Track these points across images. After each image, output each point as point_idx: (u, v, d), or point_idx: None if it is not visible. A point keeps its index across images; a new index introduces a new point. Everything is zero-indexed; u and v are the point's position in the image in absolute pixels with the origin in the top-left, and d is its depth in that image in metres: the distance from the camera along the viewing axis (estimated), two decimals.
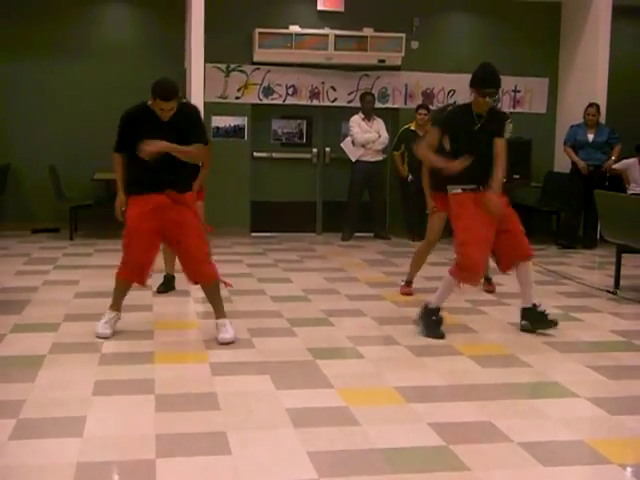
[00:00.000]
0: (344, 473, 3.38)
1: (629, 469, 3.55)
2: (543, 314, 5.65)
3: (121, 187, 5.35)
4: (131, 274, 5.33)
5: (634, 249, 7.25)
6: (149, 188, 5.15)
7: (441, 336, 5.47)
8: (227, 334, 5.24)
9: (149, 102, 5.15)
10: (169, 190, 5.13)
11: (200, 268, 5.23)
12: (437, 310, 5.56)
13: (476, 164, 5.30)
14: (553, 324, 5.62)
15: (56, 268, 7.92)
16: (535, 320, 5.65)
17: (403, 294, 7.00)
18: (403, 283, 7.13)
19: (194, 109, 5.39)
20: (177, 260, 5.60)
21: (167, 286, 6.77)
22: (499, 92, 5.38)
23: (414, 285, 7.18)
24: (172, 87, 5.14)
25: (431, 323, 5.54)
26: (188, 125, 5.20)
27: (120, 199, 5.37)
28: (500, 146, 5.43)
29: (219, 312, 5.35)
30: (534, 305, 5.65)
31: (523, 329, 5.69)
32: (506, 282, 7.62)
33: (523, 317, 5.71)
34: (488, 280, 7.22)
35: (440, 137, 5.44)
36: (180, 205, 5.16)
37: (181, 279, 7.18)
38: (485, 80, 5.37)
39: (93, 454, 3.52)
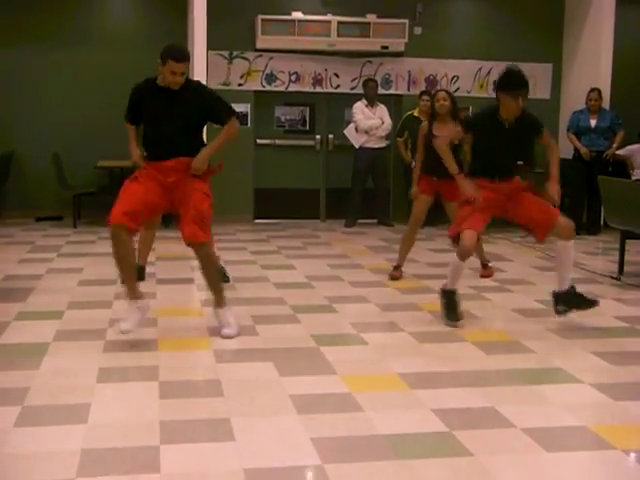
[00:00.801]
0: (348, 459, 3.39)
1: (633, 455, 3.56)
2: (582, 295, 5.53)
3: (135, 147, 5.41)
4: (120, 215, 4.87)
5: (638, 235, 7.24)
6: (161, 156, 5.03)
7: (456, 319, 5.45)
8: (231, 330, 5.13)
9: (158, 77, 5.07)
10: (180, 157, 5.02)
11: (193, 228, 4.96)
12: (451, 292, 5.52)
13: (497, 163, 5.41)
14: (594, 303, 5.50)
15: (60, 256, 7.93)
16: (573, 302, 5.49)
17: (391, 278, 7.04)
18: (393, 266, 7.22)
19: (201, 85, 5.31)
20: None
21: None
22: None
23: (414, 271, 7.20)
24: (183, 49, 5.11)
25: (446, 306, 5.52)
26: (204, 101, 5.08)
27: (135, 154, 5.42)
28: (547, 139, 5.54)
29: (218, 299, 5.19)
30: (572, 287, 5.51)
31: (560, 313, 5.55)
32: (508, 268, 7.63)
33: (559, 301, 5.54)
34: (484, 265, 7.23)
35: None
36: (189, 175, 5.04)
37: (182, 265, 7.21)
38: (516, 82, 5.35)
39: (97, 441, 3.53)
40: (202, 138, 5.22)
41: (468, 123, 5.69)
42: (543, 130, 5.53)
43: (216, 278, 5.23)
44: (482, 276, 7.17)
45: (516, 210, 5.45)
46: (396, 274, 7.10)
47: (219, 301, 5.20)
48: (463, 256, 5.33)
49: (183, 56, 4.97)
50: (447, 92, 7.11)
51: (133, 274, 5.04)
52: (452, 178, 6.72)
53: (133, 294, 4.98)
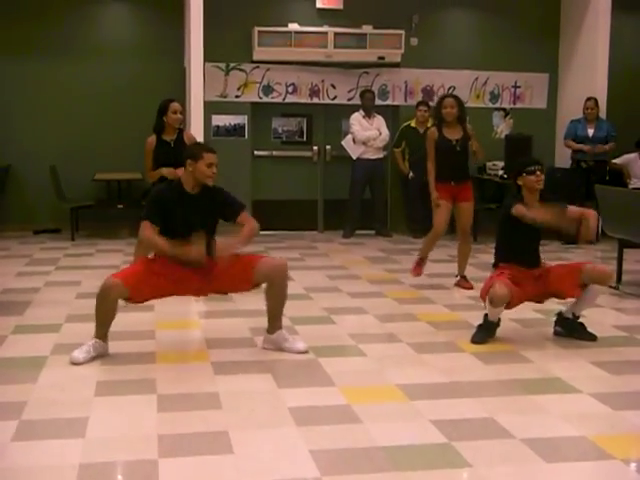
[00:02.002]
0: (346, 471, 3.38)
1: (632, 464, 3.55)
2: (584, 327, 5.51)
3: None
4: (131, 283, 4.79)
5: (636, 244, 7.24)
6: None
7: (479, 342, 5.35)
8: (301, 342, 5.12)
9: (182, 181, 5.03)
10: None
11: (263, 266, 4.94)
12: (491, 322, 5.40)
13: (523, 248, 5.43)
14: (594, 338, 5.45)
15: (58, 269, 7.92)
16: (574, 331, 5.48)
17: (414, 274, 7.25)
18: (417, 258, 7.30)
19: (216, 187, 5.12)
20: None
21: None
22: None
23: (412, 281, 7.23)
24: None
25: (480, 327, 5.43)
26: (217, 201, 5.06)
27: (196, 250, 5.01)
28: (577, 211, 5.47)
29: (280, 321, 5.14)
30: (578, 317, 5.51)
31: (557, 334, 5.55)
32: None
33: (561, 325, 5.55)
34: (464, 277, 7.23)
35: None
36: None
37: None
38: (527, 162, 5.44)
39: (95, 455, 3.52)
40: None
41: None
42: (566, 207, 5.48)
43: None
44: (462, 287, 7.15)
45: (545, 284, 5.38)
46: (419, 270, 7.28)
47: (280, 323, 5.15)
48: (495, 303, 5.21)
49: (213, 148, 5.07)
50: (454, 97, 7.08)
51: (109, 324, 4.90)
52: (467, 180, 7.13)
53: (100, 335, 4.89)
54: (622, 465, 3.49)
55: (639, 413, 4.11)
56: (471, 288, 7.05)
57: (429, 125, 10.21)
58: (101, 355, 4.86)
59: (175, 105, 6.86)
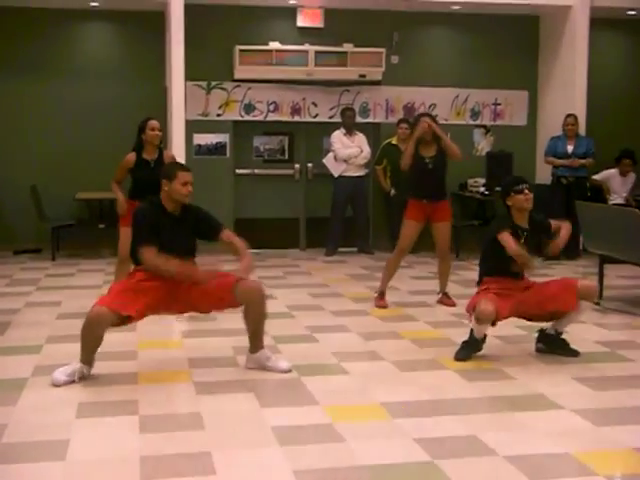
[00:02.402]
0: None
1: None
2: (567, 343, 5.52)
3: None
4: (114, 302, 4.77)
5: (616, 259, 7.28)
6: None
7: (462, 359, 5.35)
8: (284, 362, 5.11)
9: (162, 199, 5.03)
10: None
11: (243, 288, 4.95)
12: (476, 339, 5.37)
13: (510, 264, 5.36)
14: (574, 353, 5.47)
15: (38, 289, 7.86)
16: (557, 347, 5.50)
17: (378, 307, 7.04)
18: (376, 295, 7.17)
19: (194, 207, 5.16)
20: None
21: None
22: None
23: (395, 299, 7.22)
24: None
25: (464, 344, 5.41)
26: (200, 221, 5.09)
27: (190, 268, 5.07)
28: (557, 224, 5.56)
29: (261, 341, 5.12)
30: (560, 333, 5.51)
31: (538, 351, 5.56)
32: None
33: (544, 341, 5.56)
34: (445, 294, 7.25)
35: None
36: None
37: None
38: (513, 181, 5.48)
39: (76, 478, 3.49)
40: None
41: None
42: (550, 224, 5.54)
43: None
44: (444, 304, 7.17)
45: (535, 295, 5.38)
46: (382, 303, 7.09)
47: (262, 343, 5.12)
48: (481, 321, 5.20)
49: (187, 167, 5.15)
50: (430, 117, 7.13)
51: (95, 350, 4.84)
52: (442, 199, 7.07)
53: (86, 361, 4.83)
54: None
55: (622, 429, 4.12)
56: (453, 305, 7.06)
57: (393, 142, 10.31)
58: (83, 380, 4.81)
59: (153, 122, 6.82)
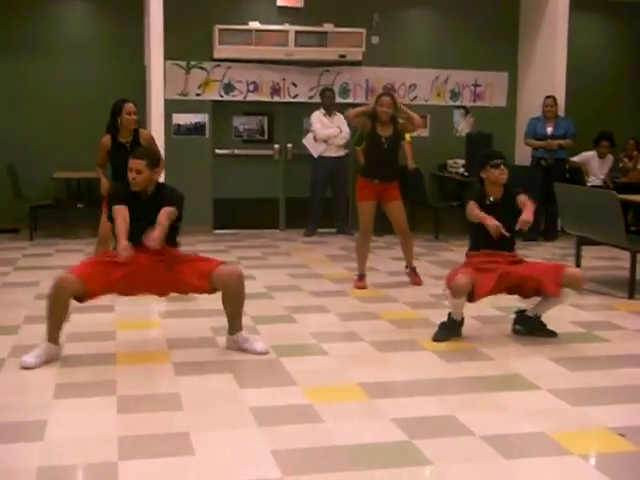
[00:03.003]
0: (308, 471, 3.38)
1: (590, 460, 3.61)
2: (544, 325, 5.55)
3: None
4: (87, 279, 4.75)
5: (594, 241, 7.34)
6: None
7: (441, 340, 5.37)
8: (261, 343, 5.10)
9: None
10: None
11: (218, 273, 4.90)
12: (454, 321, 5.42)
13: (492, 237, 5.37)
14: (552, 334, 5.52)
15: (16, 269, 7.82)
16: (535, 329, 5.52)
17: (357, 288, 7.07)
18: (356, 277, 7.20)
19: (171, 189, 5.11)
20: None
21: None
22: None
23: (374, 280, 7.25)
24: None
25: (442, 326, 5.45)
26: (165, 199, 4.98)
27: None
28: (524, 199, 5.44)
29: (240, 322, 5.12)
30: (539, 315, 5.54)
31: (516, 332, 5.59)
32: None
33: (521, 323, 5.59)
34: (413, 269, 7.31)
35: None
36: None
37: None
38: (490, 155, 5.52)
39: (55, 458, 3.48)
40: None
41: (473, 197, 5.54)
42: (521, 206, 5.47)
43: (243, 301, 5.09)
44: (412, 282, 7.25)
45: (519, 268, 5.38)
46: (361, 284, 7.11)
47: (240, 325, 5.11)
48: (455, 293, 5.23)
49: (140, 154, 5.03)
50: (392, 97, 7.11)
51: (61, 325, 4.82)
52: (393, 181, 7.09)
53: (52, 338, 4.80)
54: (580, 461, 3.53)
55: (597, 409, 4.17)
56: (420, 284, 7.17)
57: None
58: (53, 359, 4.78)
59: (129, 106, 6.73)
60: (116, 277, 4.81)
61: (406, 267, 7.36)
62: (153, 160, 4.97)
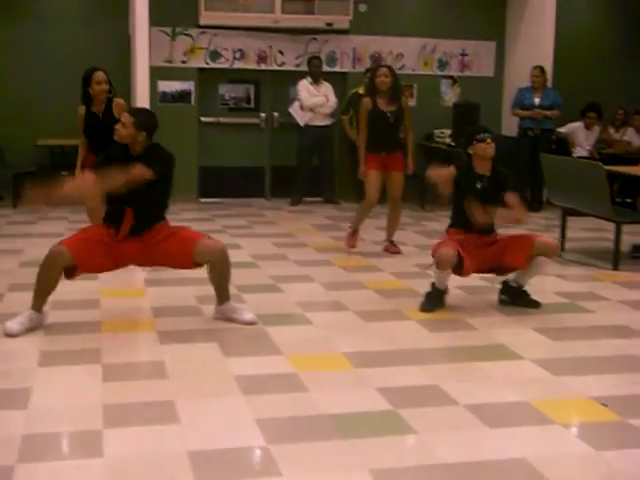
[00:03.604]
0: (293, 439, 3.40)
1: (573, 429, 3.64)
2: (528, 295, 5.57)
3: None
4: (77, 253, 4.73)
5: (579, 212, 7.35)
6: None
7: (428, 310, 5.38)
8: (249, 313, 5.09)
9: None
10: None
11: (201, 245, 4.89)
12: (439, 289, 5.42)
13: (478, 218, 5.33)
14: (535, 304, 5.53)
15: None
16: (519, 299, 5.54)
17: (348, 246, 7.19)
18: (349, 231, 7.34)
19: (159, 148, 5.06)
20: None
21: None
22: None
23: (359, 249, 7.27)
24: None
25: (428, 296, 5.44)
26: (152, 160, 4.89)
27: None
28: (511, 197, 5.37)
29: (227, 293, 5.10)
30: (522, 286, 5.55)
31: (501, 302, 5.61)
32: None
33: (506, 292, 5.61)
34: (392, 242, 7.35)
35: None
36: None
37: None
38: (476, 130, 5.48)
39: (39, 426, 3.48)
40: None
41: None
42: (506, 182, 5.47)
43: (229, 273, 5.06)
44: (391, 252, 7.28)
45: (494, 253, 5.38)
46: (352, 242, 7.35)
47: (227, 295, 5.10)
48: (440, 264, 5.21)
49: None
50: (389, 68, 7.12)
51: (48, 295, 4.82)
52: (399, 151, 7.14)
53: (37, 307, 4.79)
54: (563, 429, 3.56)
55: (580, 378, 4.20)
56: (399, 252, 7.21)
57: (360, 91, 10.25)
58: (36, 327, 4.76)
59: (98, 75, 6.53)
60: (104, 257, 4.83)
61: (385, 240, 7.38)
62: (142, 122, 4.91)
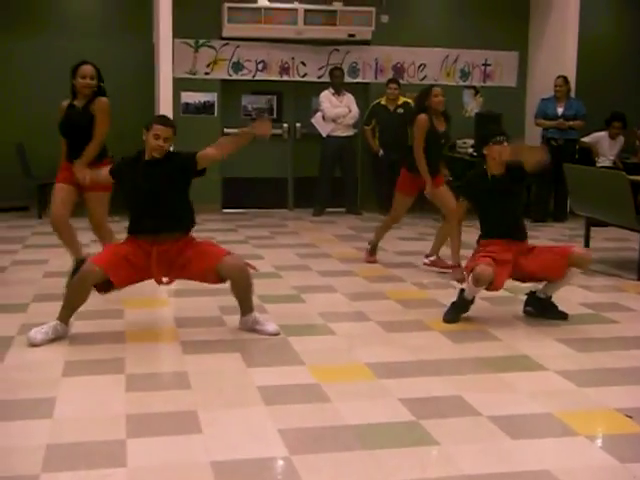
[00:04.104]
0: (315, 450, 3.40)
1: (597, 440, 3.61)
2: (555, 306, 5.53)
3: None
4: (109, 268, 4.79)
5: (603, 222, 7.31)
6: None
7: (452, 321, 5.36)
8: (272, 324, 5.10)
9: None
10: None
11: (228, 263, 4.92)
12: (466, 299, 5.39)
13: (500, 219, 5.40)
14: (563, 316, 5.50)
15: (25, 247, 7.84)
16: (546, 310, 5.50)
17: (367, 262, 7.15)
18: (369, 248, 7.28)
19: (178, 152, 5.17)
20: None
21: None
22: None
23: (382, 259, 7.25)
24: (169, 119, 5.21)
25: (453, 305, 5.43)
26: (176, 162, 5.02)
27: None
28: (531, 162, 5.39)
29: (251, 305, 5.13)
30: (550, 297, 5.51)
31: (527, 314, 5.57)
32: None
33: (533, 304, 5.57)
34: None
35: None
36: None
37: None
38: (494, 133, 5.46)
39: (63, 435, 3.50)
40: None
41: (465, 191, 5.64)
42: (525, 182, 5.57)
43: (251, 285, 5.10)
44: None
45: (530, 262, 5.35)
46: (372, 259, 7.29)
47: (251, 307, 5.12)
48: (479, 282, 5.16)
49: (168, 121, 5.09)
50: (440, 88, 7.01)
51: (76, 309, 4.86)
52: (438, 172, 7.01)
53: (64, 318, 4.83)
54: (586, 441, 3.54)
55: (603, 390, 4.17)
56: (448, 268, 6.76)
57: (399, 102, 10.24)
58: (61, 337, 4.80)
59: (85, 69, 6.15)
60: (132, 272, 4.87)
61: (427, 256, 7.06)
62: (175, 129, 5.03)
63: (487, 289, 5.28)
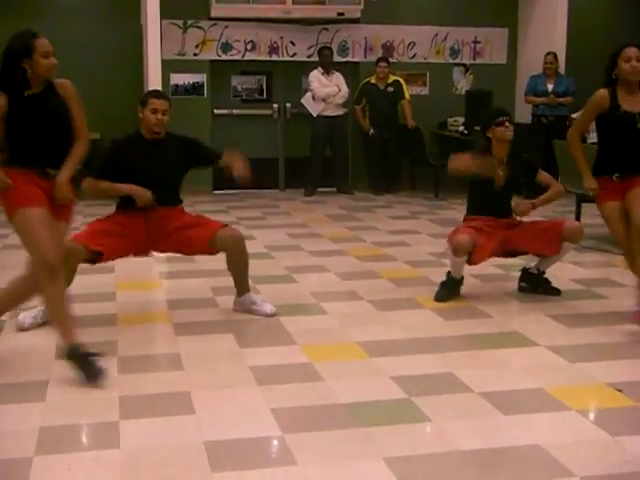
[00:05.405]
0: (308, 428, 3.41)
1: (588, 415, 3.63)
2: (549, 282, 5.54)
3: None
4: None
5: (593, 199, 7.30)
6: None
7: (442, 300, 5.36)
8: (268, 305, 5.07)
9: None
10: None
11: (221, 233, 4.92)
12: (454, 279, 5.38)
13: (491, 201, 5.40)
14: (556, 292, 5.51)
15: (15, 231, 7.78)
16: (539, 286, 5.51)
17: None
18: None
19: (185, 136, 5.19)
20: None
21: None
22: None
23: (373, 239, 7.25)
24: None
25: (443, 284, 5.43)
26: (188, 149, 5.09)
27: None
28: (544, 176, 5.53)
29: (247, 284, 5.10)
30: (543, 272, 5.52)
31: (521, 290, 5.58)
32: None
33: (527, 280, 5.57)
34: None
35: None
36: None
37: None
38: (495, 114, 5.43)
39: (56, 418, 3.51)
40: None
41: None
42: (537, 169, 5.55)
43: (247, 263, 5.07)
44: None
45: (518, 235, 5.37)
46: None
47: (247, 287, 5.10)
48: (456, 251, 5.18)
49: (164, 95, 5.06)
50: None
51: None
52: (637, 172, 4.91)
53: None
54: (577, 415, 3.56)
55: (595, 365, 4.19)
56: None
57: (389, 81, 10.21)
58: (49, 322, 4.79)
59: (46, 43, 4.62)
60: (120, 242, 4.84)
61: None
62: (170, 102, 5.01)
63: (469, 262, 5.27)
